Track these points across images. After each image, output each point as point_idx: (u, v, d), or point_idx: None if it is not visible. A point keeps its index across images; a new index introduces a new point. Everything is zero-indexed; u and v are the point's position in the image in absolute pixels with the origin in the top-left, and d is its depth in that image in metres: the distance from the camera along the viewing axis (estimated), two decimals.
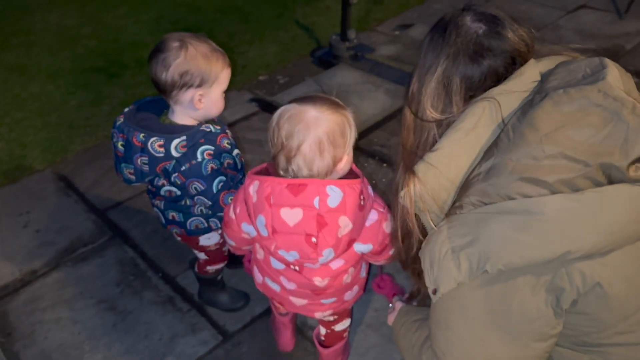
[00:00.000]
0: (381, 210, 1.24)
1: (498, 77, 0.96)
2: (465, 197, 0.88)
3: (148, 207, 2.14)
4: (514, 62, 0.96)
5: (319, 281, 1.27)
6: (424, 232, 0.99)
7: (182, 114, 1.43)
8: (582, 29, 3.48)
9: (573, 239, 0.79)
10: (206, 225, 1.58)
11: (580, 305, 0.84)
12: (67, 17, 4.00)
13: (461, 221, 0.87)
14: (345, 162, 1.18)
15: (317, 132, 1.11)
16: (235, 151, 1.50)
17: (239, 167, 1.52)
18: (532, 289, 0.84)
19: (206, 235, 1.63)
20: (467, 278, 0.85)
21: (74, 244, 2.17)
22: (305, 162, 1.13)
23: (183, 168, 1.39)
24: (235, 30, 3.73)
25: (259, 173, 1.20)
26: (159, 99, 1.48)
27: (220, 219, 1.51)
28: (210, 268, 1.78)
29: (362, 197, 1.16)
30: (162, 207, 1.57)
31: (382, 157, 2.53)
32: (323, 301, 1.36)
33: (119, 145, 1.44)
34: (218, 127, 1.45)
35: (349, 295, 1.39)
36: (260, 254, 1.34)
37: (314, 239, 1.13)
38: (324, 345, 1.61)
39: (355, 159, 1.26)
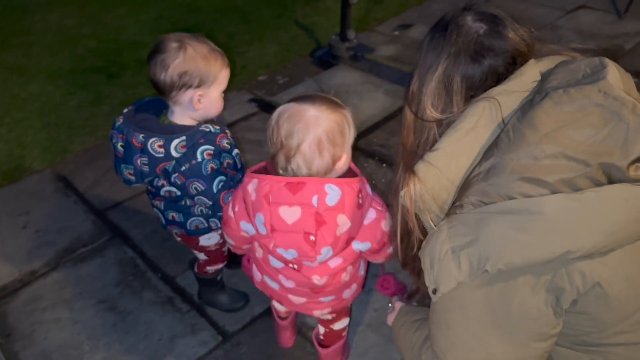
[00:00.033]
0: (379, 208, 1.24)
1: (498, 77, 0.96)
2: (466, 196, 0.88)
3: (147, 208, 2.14)
4: (514, 62, 0.96)
5: (317, 279, 1.28)
6: (424, 232, 0.99)
7: (182, 115, 1.43)
8: (581, 29, 3.48)
9: (573, 239, 0.79)
10: (206, 225, 1.58)
11: (580, 305, 0.85)
12: (67, 17, 4.00)
13: (461, 221, 0.87)
14: (344, 161, 1.19)
15: (316, 131, 1.12)
16: (235, 151, 1.50)
17: (239, 166, 1.52)
18: (532, 288, 0.84)
19: (206, 236, 1.63)
20: (468, 278, 0.85)
21: (73, 244, 2.17)
22: (305, 161, 1.13)
23: (183, 168, 1.39)
24: (235, 30, 3.73)
25: (257, 171, 1.20)
26: (158, 100, 1.48)
27: (220, 219, 1.51)
28: (210, 268, 1.78)
29: (360, 196, 1.17)
30: (162, 207, 1.57)
31: (381, 157, 2.53)
32: (322, 299, 1.36)
33: (119, 146, 1.43)
34: (217, 127, 1.45)
35: (347, 294, 1.40)
36: (259, 253, 1.34)
37: (312, 237, 1.13)
38: (323, 345, 1.61)
39: (355, 159, 1.26)
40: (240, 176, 1.52)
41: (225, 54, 1.43)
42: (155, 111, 1.47)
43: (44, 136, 2.80)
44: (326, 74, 3.18)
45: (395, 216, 1.08)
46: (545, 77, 0.94)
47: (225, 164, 1.46)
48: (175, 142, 1.37)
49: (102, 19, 3.96)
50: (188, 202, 1.52)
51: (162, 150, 1.37)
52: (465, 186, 0.91)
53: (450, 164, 0.93)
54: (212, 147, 1.41)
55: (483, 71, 0.95)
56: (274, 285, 1.37)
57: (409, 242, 1.07)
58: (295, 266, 1.27)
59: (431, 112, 0.99)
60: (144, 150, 1.39)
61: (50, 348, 1.79)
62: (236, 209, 1.26)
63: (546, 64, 0.98)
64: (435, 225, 0.94)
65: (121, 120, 1.44)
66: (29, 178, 2.54)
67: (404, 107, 1.05)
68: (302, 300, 1.36)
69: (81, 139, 2.78)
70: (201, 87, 1.38)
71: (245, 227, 1.26)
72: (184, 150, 1.38)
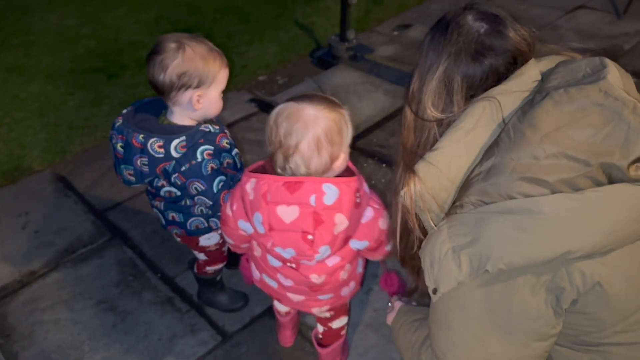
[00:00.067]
0: (377, 207, 1.24)
1: (499, 77, 0.95)
2: (466, 196, 0.88)
3: (147, 208, 2.14)
4: (515, 62, 0.96)
5: (315, 278, 1.28)
6: (424, 231, 0.99)
7: (181, 115, 1.43)
8: (581, 29, 3.48)
9: (573, 239, 0.78)
10: (206, 225, 1.58)
11: (580, 305, 0.84)
12: (67, 17, 4.00)
13: (462, 220, 0.87)
14: (342, 160, 1.19)
15: (315, 130, 1.12)
16: (235, 150, 1.50)
17: (239, 166, 1.52)
18: (532, 288, 0.84)
19: (206, 236, 1.63)
20: (468, 277, 0.85)
21: (73, 244, 2.17)
22: (303, 160, 1.13)
23: (183, 168, 1.39)
24: (234, 31, 3.73)
25: (255, 171, 1.21)
26: (157, 100, 1.48)
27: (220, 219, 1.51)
28: (210, 269, 1.78)
29: (358, 195, 1.17)
30: (162, 208, 1.56)
31: (381, 157, 2.53)
32: (320, 297, 1.37)
33: (118, 146, 1.43)
34: (217, 127, 1.45)
35: (345, 291, 1.40)
36: (257, 251, 1.35)
37: (310, 237, 1.14)
38: (322, 344, 1.61)
39: (355, 159, 1.26)
40: (240, 176, 1.52)
41: (225, 54, 1.43)
42: (155, 111, 1.47)
43: (44, 136, 2.80)
44: (326, 74, 3.19)
45: (395, 215, 1.08)
46: (545, 76, 0.94)
47: (225, 164, 1.46)
48: (175, 142, 1.37)
49: (102, 19, 3.96)
50: (188, 202, 1.52)
51: (162, 150, 1.37)
52: (465, 186, 0.91)
53: (450, 164, 0.93)
54: (212, 147, 1.41)
55: (484, 71, 0.95)
56: (272, 283, 1.37)
57: (408, 240, 1.07)
58: (294, 265, 1.27)
59: (431, 112, 0.99)
60: (143, 151, 1.39)
61: (50, 348, 1.79)
62: (234, 207, 1.26)
63: (546, 63, 0.98)
64: (435, 225, 0.94)
65: (120, 121, 1.44)
66: (29, 178, 2.54)
67: (404, 107, 1.05)
68: (301, 298, 1.37)
69: (81, 139, 2.78)
70: (200, 88, 1.38)
71: (243, 226, 1.26)
72: (183, 150, 1.38)
